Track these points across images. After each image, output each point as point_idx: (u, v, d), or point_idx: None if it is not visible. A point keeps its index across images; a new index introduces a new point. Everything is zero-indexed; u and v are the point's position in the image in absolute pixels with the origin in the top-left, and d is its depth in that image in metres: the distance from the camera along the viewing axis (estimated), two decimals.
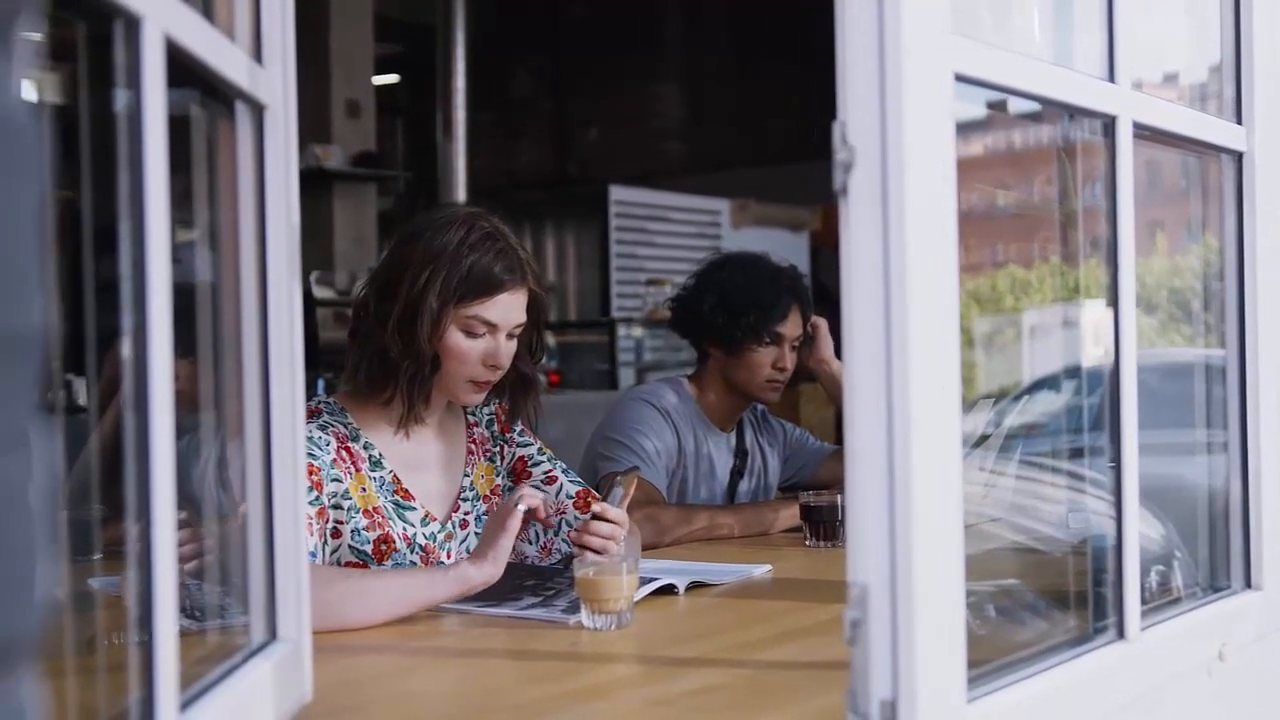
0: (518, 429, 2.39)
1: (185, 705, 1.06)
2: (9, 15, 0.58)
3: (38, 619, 0.58)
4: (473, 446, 2.35)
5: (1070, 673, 1.40)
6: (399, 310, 2.14)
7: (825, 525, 2.61)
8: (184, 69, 1.08)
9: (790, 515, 2.79)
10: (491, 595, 2.01)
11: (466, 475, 2.33)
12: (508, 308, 2.18)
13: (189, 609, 1.28)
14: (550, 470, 2.36)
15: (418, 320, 2.13)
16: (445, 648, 1.79)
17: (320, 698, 1.42)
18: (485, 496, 2.35)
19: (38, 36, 0.63)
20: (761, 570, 2.33)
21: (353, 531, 2.14)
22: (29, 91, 0.61)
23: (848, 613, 1.16)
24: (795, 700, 1.51)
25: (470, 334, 2.16)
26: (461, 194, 8.74)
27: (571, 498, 2.32)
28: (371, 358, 2.18)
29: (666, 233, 7.99)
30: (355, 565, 2.14)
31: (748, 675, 1.63)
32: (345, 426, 2.21)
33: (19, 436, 0.55)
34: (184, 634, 1.05)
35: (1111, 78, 1.48)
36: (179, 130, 1.06)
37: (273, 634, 1.35)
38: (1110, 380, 1.50)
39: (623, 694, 1.58)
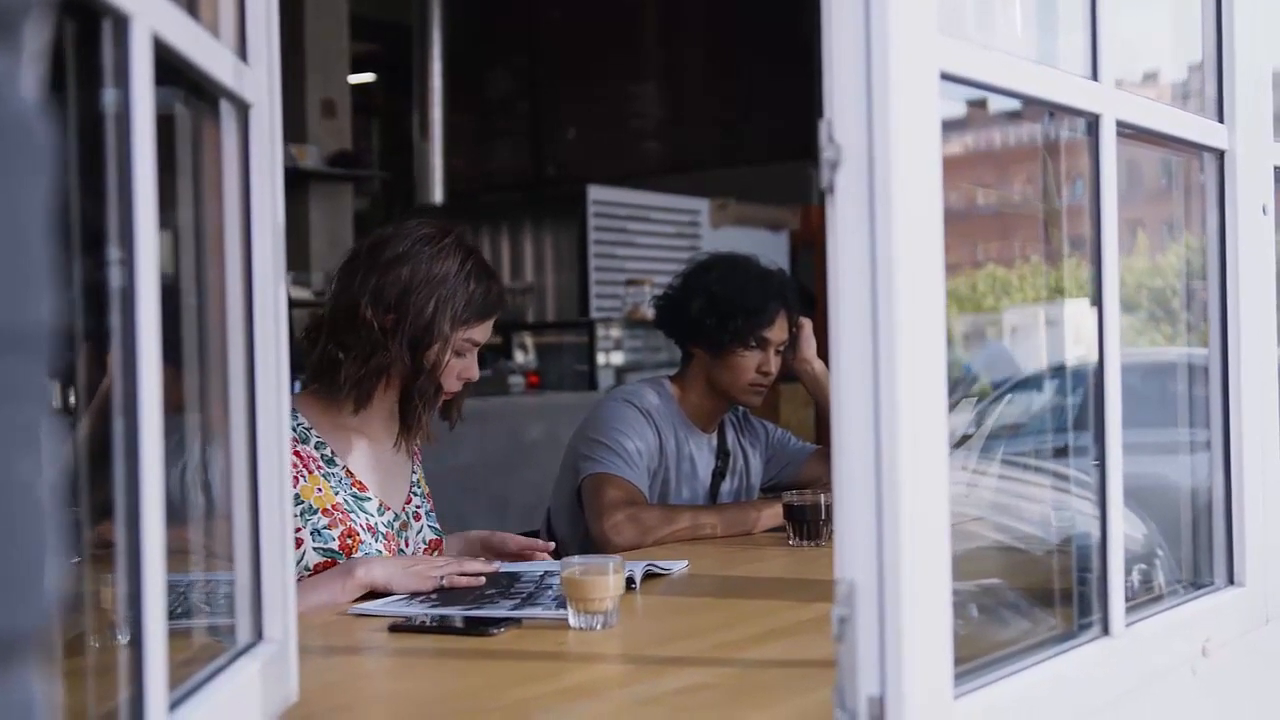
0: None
1: (173, 706, 1.05)
2: (17, 14, 0.58)
3: (47, 614, 0.58)
4: (416, 447, 2.42)
5: (1056, 668, 1.40)
6: (409, 333, 2.19)
7: (808, 525, 2.61)
8: (167, 66, 1.08)
9: (772, 515, 2.79)
10: (473, 600, 2.00)
11: (415, 472, 2.41)
12: (490, 328, 2.31)
13: (172, 608, 1.27)
14: (428, 506, 2.45)
15: (429, 345, 2.21)
16: (431, 648, 1.79)
17: (306, 698, 1.41)
18: (427, 495, 2.42)
19: (46, 34, 0.63)
20: (679, 566, 2.32)
21: (313, 533, 2.16)
22: (36, 89, 0.60)
23: (835, 610, 1.16)
24: (782, 698, 1.51)
25: (459, 354, 2.26)
26: (438, 195, 8.72)
27: (425, 543, 2.37)
28: (375, 372, 2.21)
29: (645, 233, 7.98)
30: (326, 565, 2.14)
31: (734, 674, 1.63)
32: (294, 429, 2.20)
33: (31, 434, 0.55)
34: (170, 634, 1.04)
35: (1095, 76, 1.49)
36: (161, 129, 1.06)
37: (259, 634, 1.34)
38: (1094, 378, 1.50)
39: (611, 693, 1.58)
